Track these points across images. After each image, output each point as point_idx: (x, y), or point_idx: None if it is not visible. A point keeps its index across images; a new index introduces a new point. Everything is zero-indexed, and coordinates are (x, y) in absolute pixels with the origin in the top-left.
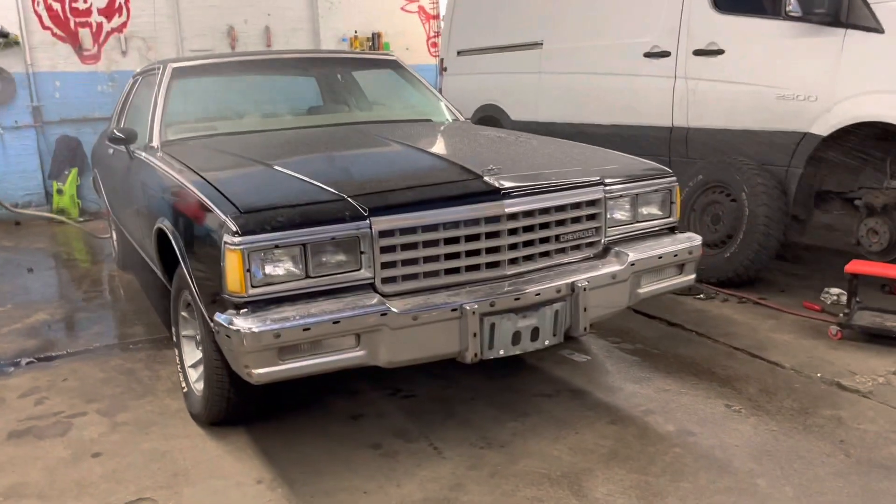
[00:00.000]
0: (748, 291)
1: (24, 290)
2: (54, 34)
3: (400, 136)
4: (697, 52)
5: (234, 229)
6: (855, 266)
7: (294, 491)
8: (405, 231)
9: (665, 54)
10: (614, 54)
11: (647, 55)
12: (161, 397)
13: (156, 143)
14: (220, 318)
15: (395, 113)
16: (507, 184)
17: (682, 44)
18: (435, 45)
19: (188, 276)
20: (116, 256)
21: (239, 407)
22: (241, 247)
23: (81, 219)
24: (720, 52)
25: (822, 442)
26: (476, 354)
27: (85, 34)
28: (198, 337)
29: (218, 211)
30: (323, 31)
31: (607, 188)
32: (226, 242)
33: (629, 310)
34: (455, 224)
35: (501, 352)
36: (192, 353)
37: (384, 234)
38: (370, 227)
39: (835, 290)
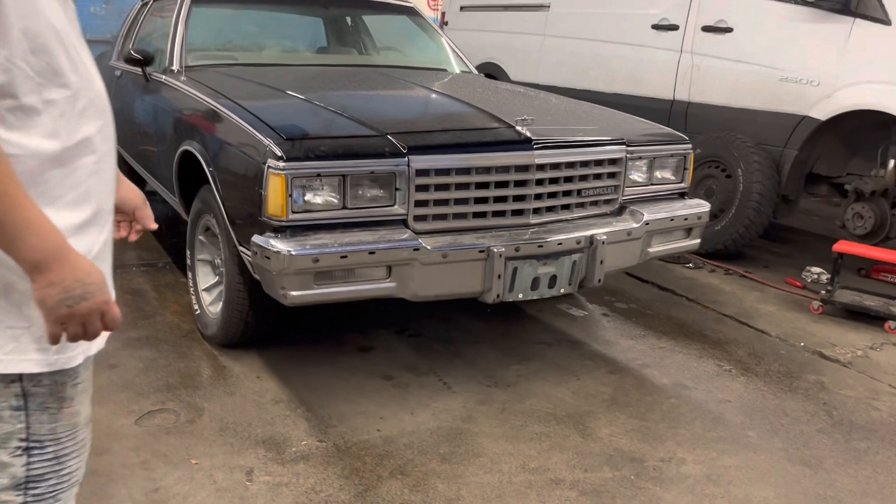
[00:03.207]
0: (734, 264)
1: None
2: None
3: (423, 81)
4: (706, 29)
5: (279, 154)
6: (842, 246)
7: (313, 413)
8: (440, 172)
9: (673, 28)
10: (622, 23)
11: (655, 27)
12: (170, 318)
13: (176, 66)
14: (258, 239)
15: (410, 59)
16: (539, 135)
17: (692, 19)
18: None
19: (218, 200)
20: None
21: (255, 330)
22: (285, 172)
23: None
24: (729, 29)
25: (806, 403)
26: (498, 295)
27: None
28: (216, 261)
29: (261, 136)
30: None
31: (629, 148)
32: (269, 167)
33: (622, 272)
34: (487, 170)
35: (520, 295)
36: (206, 277)
37: (420, 172)
38: (408, 165)
39: (815, 269)
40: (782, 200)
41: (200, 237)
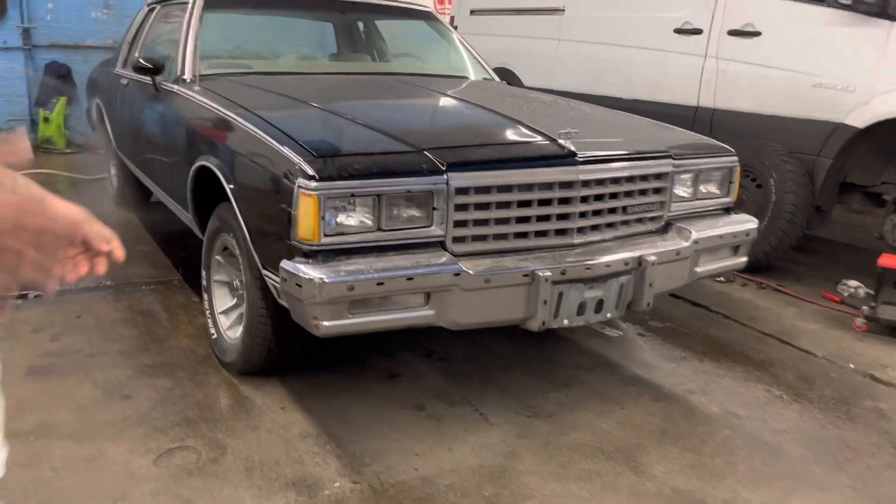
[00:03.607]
0: (766, 277)
1: None
2: None
3: (447, 89)
4: (732, 33)
5: (311, 174)
6: (888, 260)
7: (344, 449)
8: (480, 190)
9: (697, 31)
10: (642, 27)
11: (678, 31)
12: (185, 342)
13: (189, 76)
14: (287, 265)
15: (429, 66)
16: (583, 149)
17: (717, 22)
18: (442, 1)
19: (239, 219)
20: (115, 193)
21: (279, 358)
22: (318, 192)
23: (68, 150)
24: (756, 33)
25: (867, 433)
26: (543, 322)
27: None
28: (235, 283)
29: (289, 153)
30: None
31: (675, 162)
32: (300, 187)
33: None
34: (529, 187)
35: (566, 321)
36: (223, 299)
37: (460, 191)
38: (447, 183)
39: (852, 283)
40: (816, 211)
41: (217, 257)
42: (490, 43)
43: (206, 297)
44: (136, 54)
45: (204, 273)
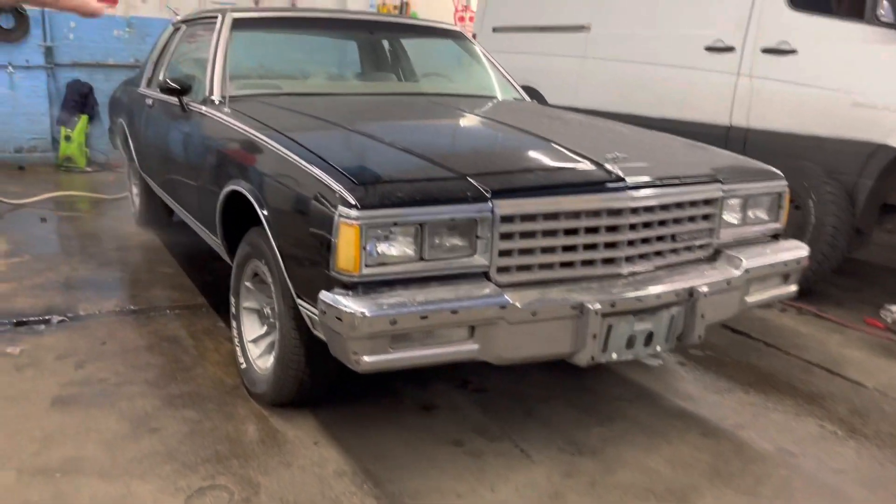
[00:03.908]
0: (806, 302)
1: (40, 241)
2: None
3: (481, 111)
4: (766, 51)
5: (352, 202)
6: None
7: (382, 489)
8: (526, 218)
9: (729, 49)
10: (671, 45)
11: (709, 49)
12: (212, 371)
13: (217, 96)
14: (326, 297)
15: (459, 86)
16: (631, 174)
17: (750, 40)
18: (462, 19)
19: (273, 247)
20: (136, 213)
21: (311, 390)
22: (360, 221)
23: (89, 169)
24: (792, 51)
25: None
26: (592, 357)
27: None
28: (265, 310)
29: (328, 179)
30: None
31: (724, 187)
32: (340, 216)
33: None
34: (576, 214)
35: (614, 355)
36: (253, 327)
37: (505, 219)
38: (492, 211)
39: (895, 308)
40: (855, 233)
41: (247, 283)
42: (513, 60)
43: (234, 325)
44: (162, 74)
45: (233, 300)
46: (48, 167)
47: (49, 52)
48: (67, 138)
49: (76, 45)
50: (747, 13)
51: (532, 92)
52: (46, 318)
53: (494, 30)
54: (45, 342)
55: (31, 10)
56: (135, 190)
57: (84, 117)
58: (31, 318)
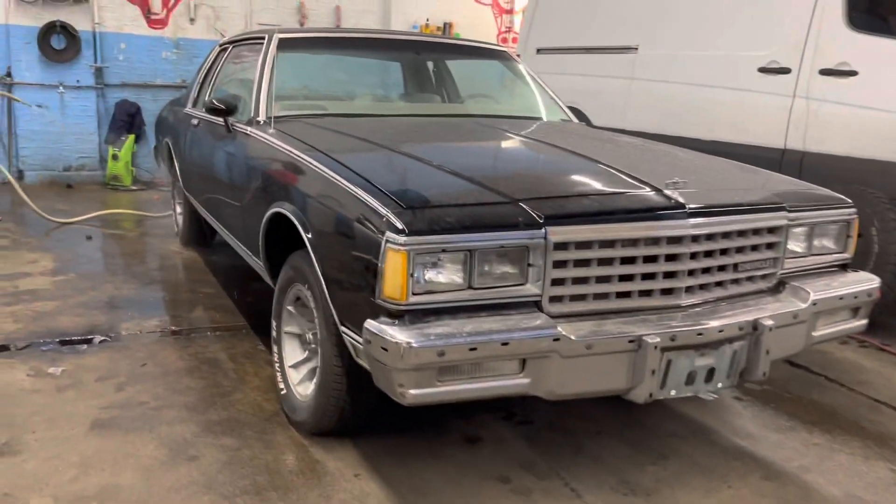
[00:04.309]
0: (868, 334)
1: (85, 259)
2: None
3: (530, 133)
4: (824, 72)
5: (400, 227)
6: None
7: None
8: (581, 245)
9: (784, 71)
10: (723, 66)
11: (763, 70)
12: (252, 396)
13: (262, 117)
14: (372, 326)
15: (506, 108)
16: (693, 201)
17: (807, 61)
18: (505, 40)
19: (317, 271)
20: (180, 232)
21: (353, 419)
22: (407, 248)
23: (134, 187)
24: (852, 73)
25: None
26: (651, 394)
27: None
28: (307, 336)
29: (375, 203)
30: (394, 16)
31: (790, 214)
32: (388, 241)
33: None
34: (634, 242)
35: (673, 392)
36: (294, 352)
37: (559, 246)
38: (545, 238)
39: None
40: None
41: (289, 307)
42: (557, 81)
43: (275, 349)
44: (208, 94)
45: (274, 324)
46: (95, 185)
47: (99, 72)
48: (115, 157)
49: (125, 66)
50: (804, 34)
51: (577, 113)
52: (89, 337)
53: (539, 51)
54: (87, 362)
55: (83, 30)
56: (178, 209)
57: (131, 137)
58: (74, 338)
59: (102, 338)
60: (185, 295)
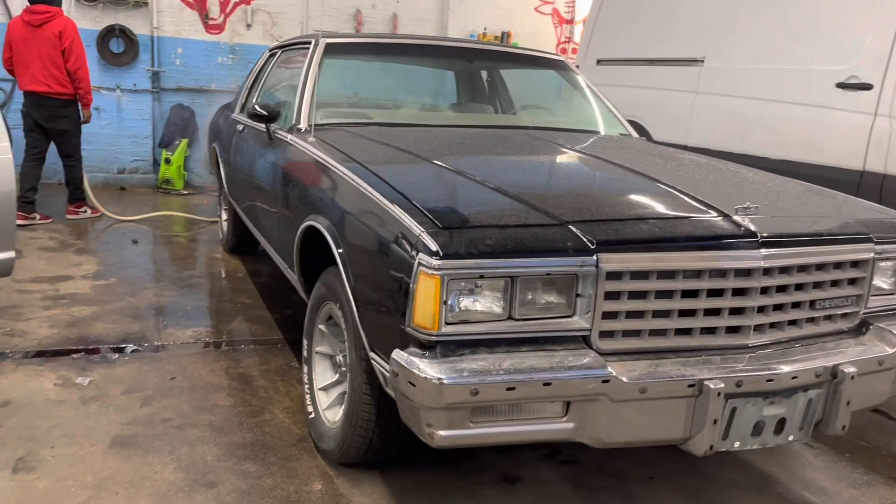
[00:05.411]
0: None
1: (129, 263)
2: None
3: (585, 148)
4: None
5: (434, 249)
6: None
7: None
8: (636, 275)
9: (866, 87)
10: (795, 81)
11: (841, 86)
12: (280, 418)
13: (304, 125)
14: (400, 358)
15: (561, 120)
16: (766, 229)
17: (891, 77)
18: (564, 51)
19: (347, 290)
20: (224, 239)
21: (381, 451)
22: (441, 273)
23: (185, 191)
24: None
25: None
26: (711, 447)
27: (213, 2)
28: (338, 357)
29: (410, 221)
30: (451, 24)
31: (877, 247)
32: (420, 264)
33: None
34: (697, 273)
35: (737, 444)
36: (324, 374)
37: (611, 275)
38: (596, 266)
39: None
40: None
41: (321, 326)
42: (617, 94)
43: (305, 369)
44: (254, 100)
45: (305, 342)
46: (147, 188)
47: (156, 76)
48: (167, 161)
49: (182, 71)
50: (888, 48)
51: (637, 127)
52: (121, 346)
53: (599, 62)
54: (116, 373)
55: (141, 34)
56: (224, 216)
57: (184, 141)
58: (106, 346)
59: (135, 347)
60: (223, 304)
